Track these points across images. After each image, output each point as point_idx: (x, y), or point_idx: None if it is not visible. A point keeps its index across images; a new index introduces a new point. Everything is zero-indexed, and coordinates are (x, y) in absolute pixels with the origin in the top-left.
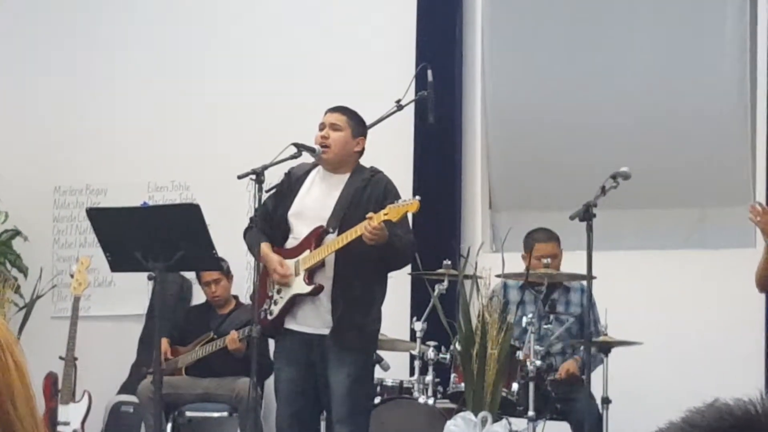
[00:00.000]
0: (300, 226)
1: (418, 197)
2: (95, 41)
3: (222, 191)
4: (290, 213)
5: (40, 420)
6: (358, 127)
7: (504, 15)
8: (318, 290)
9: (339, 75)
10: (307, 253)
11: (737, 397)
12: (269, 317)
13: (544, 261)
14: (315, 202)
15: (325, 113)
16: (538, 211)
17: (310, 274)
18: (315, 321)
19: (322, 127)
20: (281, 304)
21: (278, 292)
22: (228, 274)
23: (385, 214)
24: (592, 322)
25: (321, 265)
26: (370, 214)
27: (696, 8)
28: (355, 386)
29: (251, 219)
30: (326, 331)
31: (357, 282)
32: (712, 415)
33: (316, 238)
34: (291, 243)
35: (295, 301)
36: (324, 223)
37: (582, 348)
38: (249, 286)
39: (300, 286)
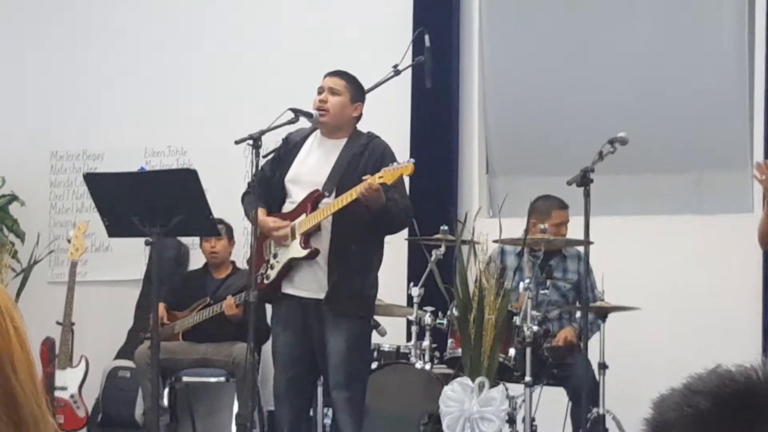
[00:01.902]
0: (297, 191)
1: (412, 160)
2: (92, 6)
3: (219, 156)
4: (287, 178)
5: (40, 385)
6: (357, 92)
7: None
8: (314, 254)
9: (336, 40)
10: (303, 217)
11: (738, 363)
12: (266, 281)
13: (544, 227)
14: (312, 167)
15: (324, 77)
16: (536, 176)
17: (306, 238)
18: (312, 285)
19: (320, 91)
20: (278, 268)
21: (275, 256)
22: (230, 237)
23: (380, 177)
24: (589, 288)
25: (317, 229)
26: (366, 177)
27: None
28: (352, 352)
29: (249, 184)
30: (323, 295)
31: (353, 246)
32: (713, 381)
33: (312, 202)
34: (288, 207)
35: (291, 265)
36: (320, 188)
37: (579, 314)
38: (246, 250)
39: (296, 250)
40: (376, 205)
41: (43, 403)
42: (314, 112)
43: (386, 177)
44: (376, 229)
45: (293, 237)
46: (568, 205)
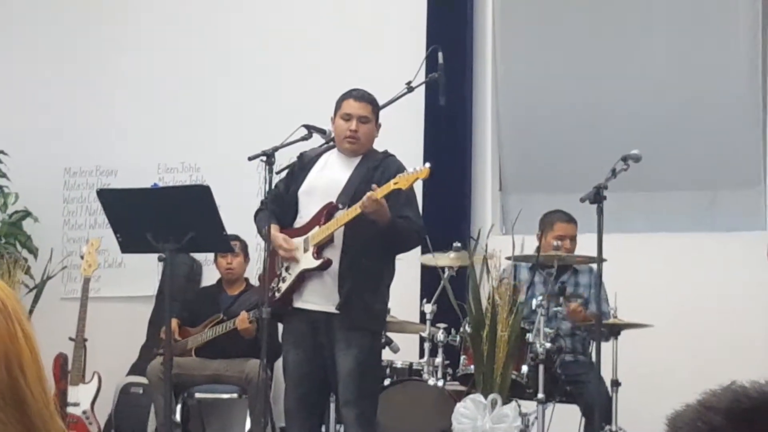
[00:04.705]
0: (309, 204)
1: (428, 164)
2: (105, 22)
3: (232, 173)
4: (301, 190)
5: (49, 389)
6: (378, 112)
7: None
8: (326, 264)
9: (349, 56)
10: (316, 229)
11: (753, 380)
12: (277, 294)
13: (557, 243)
14: (327, 179)
15: (348, 100)
16: (549, 193)
17: (319, 250)
18: (321, 298)
19: (348, 117)
20: (289, 281)
21: (287, 269)
22: (246, 254)
23: (395, 183)
24: (600, 305)
25: (330, 240)
26: (374, 186)
27: None
28: (363, 369)
29: (262, 202)
30: (332, 308)
31: (365, 258)
32: (727, 397)
33: (326, 214)
34: (299, 222)
35: (303, 278)
36: (334, 200)
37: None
38: (259, 267)
39: (308, 261)
40: (381, 219)
41: (52, 405)
42: (327, 128)
43: (401, 182)
44: (387, 245)
45: (306, 249)
46: (575, 219)
